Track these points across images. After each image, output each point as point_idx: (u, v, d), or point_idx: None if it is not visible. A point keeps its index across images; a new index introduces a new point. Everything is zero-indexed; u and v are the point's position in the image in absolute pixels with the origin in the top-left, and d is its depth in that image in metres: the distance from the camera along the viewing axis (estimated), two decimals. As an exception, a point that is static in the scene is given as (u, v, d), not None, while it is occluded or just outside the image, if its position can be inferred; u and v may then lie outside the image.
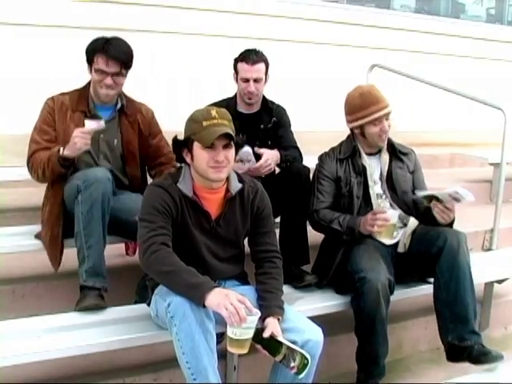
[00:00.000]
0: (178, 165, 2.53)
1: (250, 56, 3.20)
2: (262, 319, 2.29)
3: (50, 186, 2.93)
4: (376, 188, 3.01)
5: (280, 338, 2.24)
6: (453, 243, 2.88)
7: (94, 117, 2.86)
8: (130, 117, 3.00)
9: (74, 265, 2.80)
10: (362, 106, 2.93)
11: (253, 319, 2.16)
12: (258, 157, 3.07)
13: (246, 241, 2.61)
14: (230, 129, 2.33)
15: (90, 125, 2.74)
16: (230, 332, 2.15)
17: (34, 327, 2.44)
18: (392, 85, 5.41)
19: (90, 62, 2.87)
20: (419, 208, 3.02)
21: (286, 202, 3.04)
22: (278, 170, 3.22)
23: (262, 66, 3.22)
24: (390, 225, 2.82)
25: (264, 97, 3.33)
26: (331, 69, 6.71)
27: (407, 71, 5.13)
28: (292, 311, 2.47)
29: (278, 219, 3.09)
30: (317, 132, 5.47)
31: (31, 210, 3.17)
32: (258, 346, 2.27)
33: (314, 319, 2.49)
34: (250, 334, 2.17)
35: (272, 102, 3.38)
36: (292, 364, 2.22)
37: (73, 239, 2.73)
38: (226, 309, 2.11)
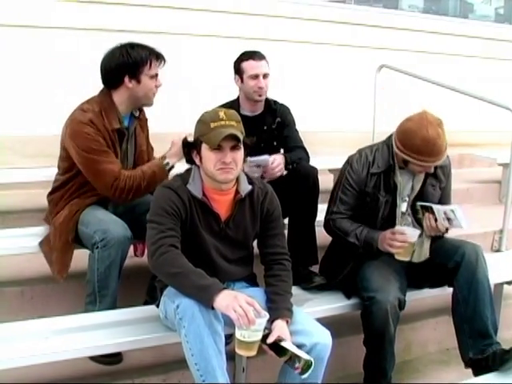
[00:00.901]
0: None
1: (256, 53, 3.24)
2: (271, 321, 2.29)
3: (74, 192, 2.85)
4: (403, 206, 2.86)
5: (284, 344, 2.22)
6: (471, 258, 2.83)
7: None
8: (141, 121, 3.00)
9: (82, 266, 2.82)
10: (420, 152, 2.67)
11: (261, 321, 2.15)
12: None
13: (254, 242, 2.60)
14: (237, 130, 2.33)
15: None
16: (238, 334, 2.15)
17: (43, 328, 2.44)
18: (400, 85, 5.42)
19: (137, 72, 2.74)
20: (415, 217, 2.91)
21: (294, 203, 3.04)
22: (285, 173, 3.21)
23: (266, 62, 3.25)
24: (408, 245, 2.74)
25: (267, 98, 3.33)
26: (337, 69, 6.70)
27: (414, 71, 5.11)
28: (301, 313, 2.46)
29: (286, 220, 3.09)
30: (323, 132, 5.47)
31: (40, 211, 3.17)
32: (265, 347, 2.26)
33: (322, 320, 2.48)
34: (258, 336, 2.16)
35: (275, 102, 3.38)
36: (297, 365, 2.21)
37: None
38: (234, 311, 2.11)
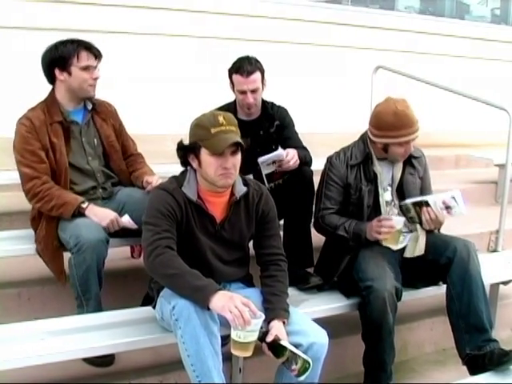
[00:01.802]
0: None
1: (244, 67, 3.14)
2: (268, 322, 2.30)
3: None
4: (386, 195, 2.97)
5: (283, 342, 2.24)
6: (463, 254, 2.85)
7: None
8: (102, 113, 3.03)
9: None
10: (394, 127, 2.80)
11: (257, 322, 2.16)
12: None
13: (250, 243, 2.61)
14: (237, 135, 2.34)
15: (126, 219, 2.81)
16: (234, 335, 2.16)
17: (40, 330, 2.44)
18: (396, 86, 5.41)
19: (66, 64, 2.81)
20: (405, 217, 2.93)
21: (289, 205, 3.04)
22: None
23: (257, 75, 3.16)
24: (395, 231, 2.81)
25: (264, 102, 3.30)
26: (333, 70, 6.70)
27: (410, 72, 5.13)
28: (297, 314, 2.47)
29: (281, 221, 3.09)
30: (322, 134, 5.47)
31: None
32: (264, 346, 2.27)
33: (319, 321, 2.49)
34: (254, 336, 2.17)
35: (272, 106, 3.34)
36: (293, 366, 2.22)
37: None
38: (230, 311, 2.12)
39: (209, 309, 2.17)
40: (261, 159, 3.00)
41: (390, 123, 2.81)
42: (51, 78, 2.88)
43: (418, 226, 2.92)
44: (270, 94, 3.39)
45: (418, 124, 2.84)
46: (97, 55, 2.88)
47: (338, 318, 2.94)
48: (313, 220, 3.06)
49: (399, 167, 2.98)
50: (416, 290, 3.05)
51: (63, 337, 2.40)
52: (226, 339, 2.33)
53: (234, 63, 3.21)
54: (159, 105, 5.36)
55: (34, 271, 3.07)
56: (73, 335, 2.41)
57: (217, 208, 2.44)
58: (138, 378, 2.71)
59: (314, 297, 2.94)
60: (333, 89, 6.58)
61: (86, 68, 2.83)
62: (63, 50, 2.82)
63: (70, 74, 2.83)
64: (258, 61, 3.22)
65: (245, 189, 2.48)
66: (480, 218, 4.25)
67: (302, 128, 3.43)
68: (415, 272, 2.96)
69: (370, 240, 2.85)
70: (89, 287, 2.66)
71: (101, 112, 3.03)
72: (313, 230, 3.11)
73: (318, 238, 3.14)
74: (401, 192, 2.99)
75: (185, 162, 2.45)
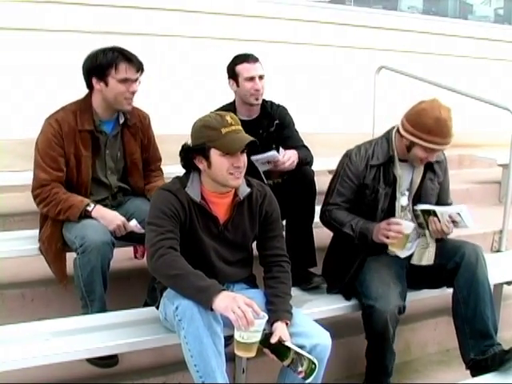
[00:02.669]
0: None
1: (249, 56, 3.21)
2: (271, 324, 2.30)
3: None
4: (402, 200, 2.87)
5: (288, 343, 2.24)
6: (471, 259, 2.83)
7: None
8: (132, 128, 2.95)
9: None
10: (430, 131, 2.68)
11: (260, 323, 2.16)
12: None
13: (254, 244, 2.61)
14: (246, 135, 2.36)
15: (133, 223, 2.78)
16: (237, 335, 2.16)
17: (43, 330, 2.45)
18: (398, 86, 5.41)
19: (103, 74, 2.73)
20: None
21: (291, 205, 3.04)
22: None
23: (260, 64, 3.22)
24: (403, 236, 2.73)
25: (263, 101, 3.30)
26: (336, 71, 6.71)
27: (413, 72, 5.12)
28: (300, 315, 2.47)
29: (283, 222, 3.09)
30: (323, 134, 5.47)
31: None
32: (266, 350, 2.27)
33: (322, 321, 2.49)
34: (257, 337, 2.17)
35: (272, 105, 3.35)
36: (300, 369, 2.22)
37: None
38: (233, 312, 2.12)
39: (212, 309, 2.17)
40: (254, 158, 2.99)
41: (429, 126, 2.68)
42: (88, 85, 2.81)
43: (428, 234, 2.86)
44: (274, 96, 3.40)
45: (452, 138, 2.74)
46: (138, 68, 2.77)
47: (340, 319, 2.94)
48: (319, 212, 2.99)
49: (419, 172, 2.90)
50: (420, 291, 3.04)
51: (67, 337, 2.40)
52: (229, 340, 2.33)
53: (236, 57, 3.24)
54: (159, 105, 5.37)
55: (38, 272, 3.07)
56: (77, 336, 2.42)
57: (220, 209, 2.44)
58: (141, 379, 2.72)
59: (317, 297, 2.94)
60: (335, 89, 6.60)
61: (124, 80, 2.73)
62: (102, 59, 2.73)
63: (106, 84, 2.74)
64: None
65: (248, 189, 2.48)
66: (483, 218, 4.24)
67: (302, 128, 3.42)
68: (421, 275, 2.93)
69: (376, 242, 2.78)
70: (93, 288, 2.66)
71: (132, 126, 2.94)
72: (315, 230, 3.11)
73: (320, 238, 3.14)
74: (418, 197, 2.90)
75: (187, 165, 2.44)
